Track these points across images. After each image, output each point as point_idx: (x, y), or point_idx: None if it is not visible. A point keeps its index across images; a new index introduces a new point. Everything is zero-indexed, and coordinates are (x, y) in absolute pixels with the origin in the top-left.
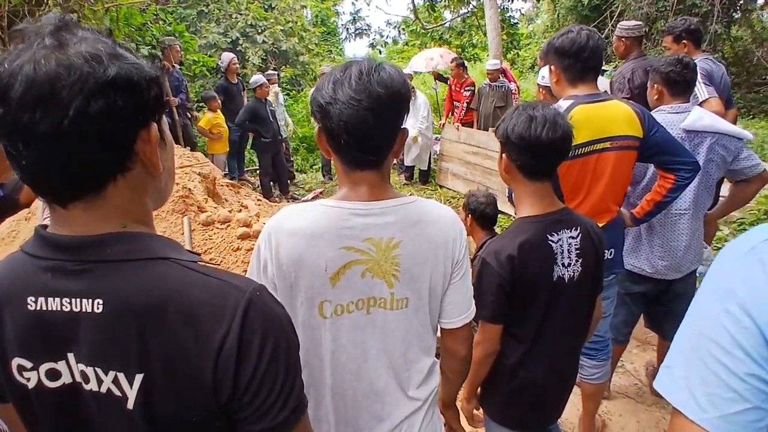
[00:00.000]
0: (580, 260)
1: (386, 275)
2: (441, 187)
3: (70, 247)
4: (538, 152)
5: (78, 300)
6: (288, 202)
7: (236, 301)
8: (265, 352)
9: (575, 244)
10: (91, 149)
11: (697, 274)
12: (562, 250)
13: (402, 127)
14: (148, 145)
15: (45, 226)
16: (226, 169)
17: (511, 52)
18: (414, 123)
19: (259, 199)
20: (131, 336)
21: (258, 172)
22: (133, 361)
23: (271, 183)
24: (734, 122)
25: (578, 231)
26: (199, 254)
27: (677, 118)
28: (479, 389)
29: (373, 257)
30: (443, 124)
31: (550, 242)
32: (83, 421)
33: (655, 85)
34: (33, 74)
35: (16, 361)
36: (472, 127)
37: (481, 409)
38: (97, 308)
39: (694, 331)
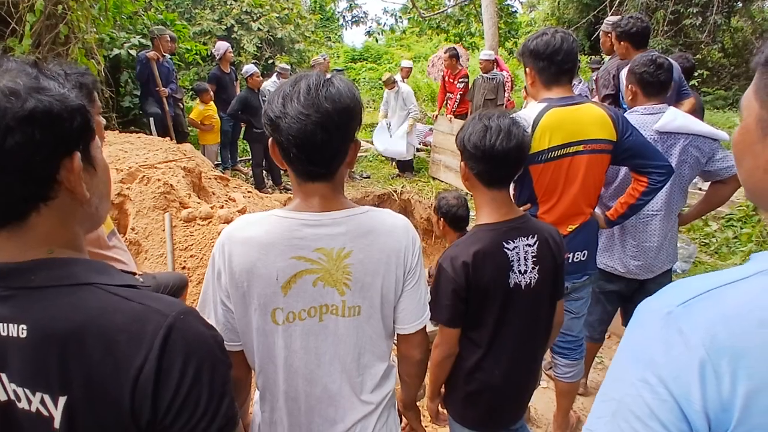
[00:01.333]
0: (537, 267)
1: (338, 284)
2: (433, 179)
3: None
4: (492, 161)
5: (5, 325)
6: (281, 192)
7: (156, 327)
8: (186, 378)
9: (532, 252)
10: (10, 181)
11: (679, 271)
12: (518, 258)
13: (354, 139)
14: (71, 174)
15: None
16: (219, 160)
17: (510, 40)
18: (402, 114)
19: (249, 191)
20: (53, 361)
21: (251, 162)
22: (56, 385)
23: (264, 174)
24: (690, 112)
25: (535, 239)
26: (134, 273)
27: (650, 119)
28: (443, 389)
29: (324, 266)
30: (436, 116)
31: (506, 250)
32: None
33: (630, 86)
34: None
35: None
36: (465, 118)
37: (445, 409)
38: (22, 333)
39: (615, 396)
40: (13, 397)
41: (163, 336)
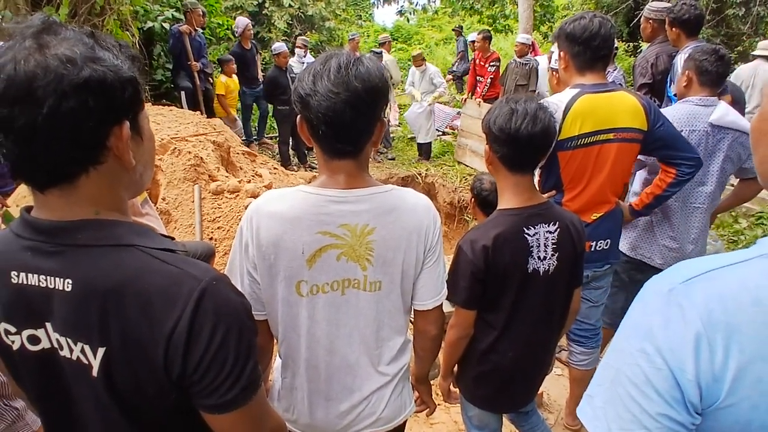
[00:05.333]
0: (557, 254)
1: (360, 259)
2: (459, 163)
3: (47, 230)
4: (517, 145)
5: (52, 278)
6: (306, 170)
7: (190, 290)
8: (214, 339)
9: (552, 239)
10: (63, 144)
11: None
12: (538, 244)
13: (380, 118)
14: (120, 142)
15: (30, 208)
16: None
17: (545, 24)
18: (427, 88)
19: (275, 168)
20: (94, 314)
21: (277, 140)
22: (96, 336)
23: (291, 152)
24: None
25: (556, 226)
26: (172, 238)
27: (705, 111)
28: (456, 368)
29: (348, 242)
30: (465, 100)
31: (526, 235)
32: (59, 382)
33: (687, 72)
34: (13, 73)
35: (2, 326)
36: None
37: (458, 388)
38: (67, 287)
39: (614, 365)
40: (56, 345)
41: (196, 299)
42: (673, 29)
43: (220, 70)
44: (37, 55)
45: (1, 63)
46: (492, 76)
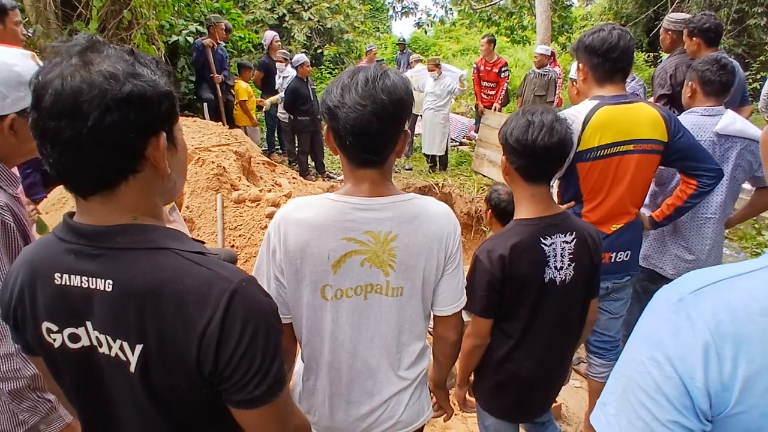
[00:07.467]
0: (573, 264)
1: (383, 265)
2: (476, 173)
3: (89, 234)
4: (533, 156)
5: (93, 279)
6: (324, 180)
7: (221, 291)
8: (244, 337)
9: (569, 249)
10: (106, 154)
11: None
12: (555, 254)
13: (404, 129)
14: (157, 152)
15: (72, 214)
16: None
17: (563, 35)
18: (440, 103)
19: (294, 177)
20: (133, 314)
21: (297, 150)
22: (134, 334)
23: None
24: (748, 119)
25: (573, 236)
26: (203, 242)
27: (710, 121)
28: (472, 377)
29: (371, 248)
30: (482, 110)
31: (543, 245)
32: (97, 378)
33: (690, 83)
34: (60, 88)
35: (45, 325)
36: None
37: (474, 397)
38: (108, 287)
39: (626, 373)
40: (95, 342)
41: (227, 299)
42: (693, 39)
43: (238, 74)
44: (83, 72)
45: (49, 79)
46: (507, 83)
